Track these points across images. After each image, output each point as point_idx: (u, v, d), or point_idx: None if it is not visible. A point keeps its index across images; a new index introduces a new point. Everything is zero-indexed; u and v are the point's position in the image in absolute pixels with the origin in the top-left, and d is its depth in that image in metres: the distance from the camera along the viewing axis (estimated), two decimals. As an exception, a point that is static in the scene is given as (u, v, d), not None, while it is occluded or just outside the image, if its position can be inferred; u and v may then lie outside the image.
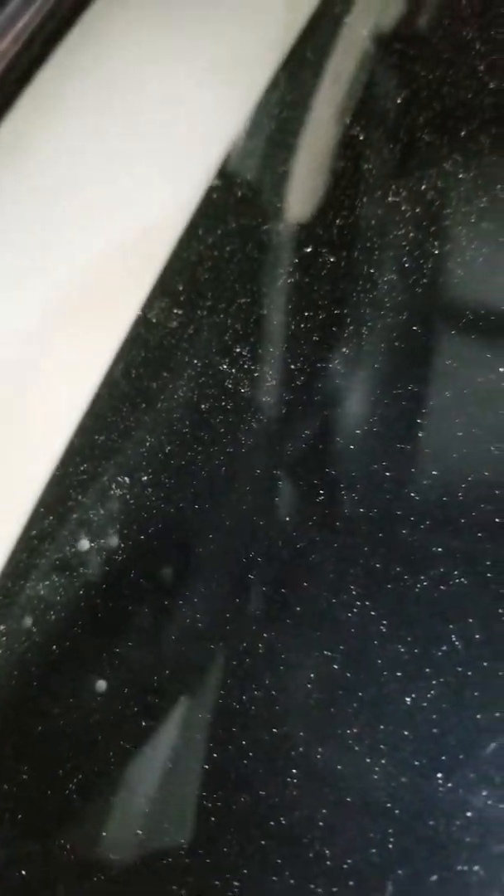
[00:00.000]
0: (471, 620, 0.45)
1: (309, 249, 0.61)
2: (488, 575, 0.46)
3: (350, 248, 0.60)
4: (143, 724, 0.48)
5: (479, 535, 0.47)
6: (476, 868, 0.42)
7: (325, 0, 0.77)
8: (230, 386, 0.58)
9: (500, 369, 0.52)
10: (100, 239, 0.71)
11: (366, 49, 0.72)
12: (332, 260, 0.60)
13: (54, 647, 0.53)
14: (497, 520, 0.48)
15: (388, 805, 0.43)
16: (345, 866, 0.43)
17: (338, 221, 0.61)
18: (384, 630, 0.47)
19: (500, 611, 0.45)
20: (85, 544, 0.56)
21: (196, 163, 0.75)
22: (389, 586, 0.48)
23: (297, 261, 0.61)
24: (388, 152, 0.63)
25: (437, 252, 0.57)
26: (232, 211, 0.66)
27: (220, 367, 0.59)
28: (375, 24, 0.73)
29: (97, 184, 0.74)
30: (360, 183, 0.63)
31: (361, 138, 0.65)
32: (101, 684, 0.50)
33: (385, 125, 0.65)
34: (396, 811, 0.43)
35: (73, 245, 0.71)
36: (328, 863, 0.43)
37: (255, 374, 0.58)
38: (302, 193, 0.67)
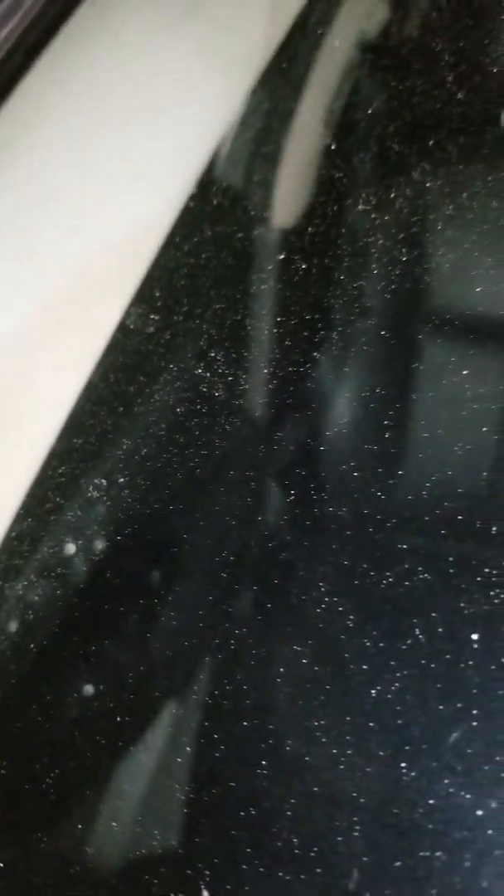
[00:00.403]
0: (434, 615, 0.47)
1: (289, 256, 0.63)
2: (451, 571, 0.48)
3: (329, 255, 0.62)
4: (125, 723, 0.49)
5: (443, 532, 0.49)
6: (439, 854, 0.43)
7: (307, 8, 0.78)
8: (205, 390, 0.59)
9: (464, 372, 0.54)
10: (84, 245, 0.72)
11: (349, 58, 0.73)
12: (311, 266, 0.61)
13: (40, 651, 0.54)
14: (459, 517, 0.49)
15: (354, 794, 0.45)
16: (312, 854, 0.44)
17: (318, 228, 0.63)
18: (351, 625, 0.48)
19: (462, 605, 0.47)
20: (70, 548, 0.57)
21: (179, 170, 0.76)
22: (357, 583, 0.49)
23: (276, 267, 0.63)
24: (369, 160, 0.65)
25: (410, 258, 0.59)
26: (208, 219, 0.67)
27: (196, 372, 0.60)
28: (359, 33, 0.74)
29: (81, 190, 0.75)
30: (341, 190, 0.64)
31: (345, 146, 0.67)
32: (89, 689, 0.51)
33: (367, 133, 0.66)
34: (362, 800, 0.45)
35: (56, 252, 0.73)
36: (296, 851, 0.45)
37: (230, 379, 0.59)
38: (286, 201, 0.68)
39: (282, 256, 0.63)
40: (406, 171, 0.62)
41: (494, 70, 0.66)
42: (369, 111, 0.67)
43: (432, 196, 0.60)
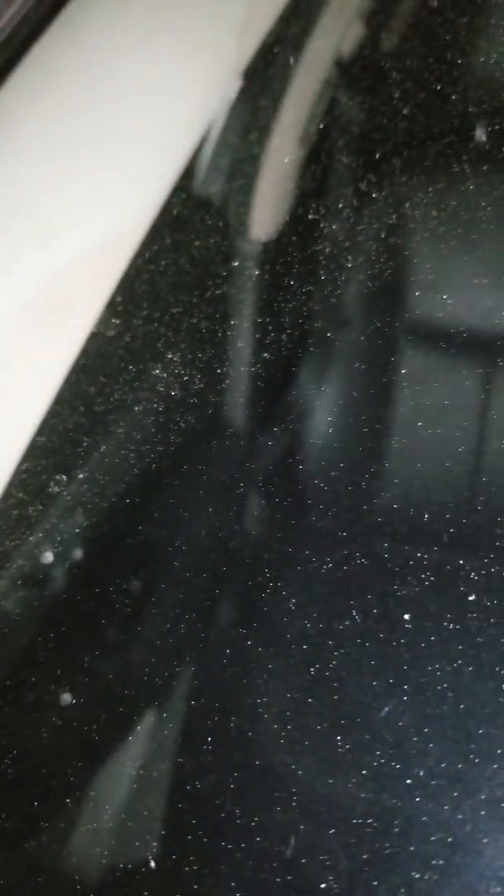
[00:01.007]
0: (369, 597, 0.49)
1: (265, 267, 0.65)
2: (385, 556, 0.50)
3: (304, 267, 0.64)
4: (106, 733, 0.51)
5: (379, 519, 0.52)
6: (370, 821, 0.46)
7: (282, 24, 0.81)
8: (161, 389, 0.62)
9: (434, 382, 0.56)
10: (56, 256, 0.75)
11: (325, 74, 0.76)
12: (286, 276, 0.64)
13: (17, 659, 0.56)
14: (395, 505, 0.52)
15: (292, 766, 0.47)
16: (252, 824, 0.47)
17: (294, 241, 0.65)
18: (293, 608, 0.51)
19: (395, 587, 0.49)
20: (48, 556, 0.60)
21: (151, 182, 0.79)
22: (299, 568, 0.52)
23: (251, 277, 0.66)
24: (345, 175, 0.68)
25: (385, 269, 0.62)
26: (171, 228, 0.70)
27: (153, 372, 0.63)
28: (335, 49, 0.77)
29: (53, 203, 0.78)
30: (317, 204, 0.67)
31: (321, 161, 0.70)
32: (66, 697, 0.54)
33: (342, 149, 0.69)
34: (299, 772, 0.47)
35: (29, 262, 0.75)
36: (238, 821, 0.47)
37: (185, 379, 0.62)
38: (263, 214, 0.71)
39: (258, 267, 0.66)
40: (382, 186, 0.65)
41: (469, 85, 0.69)
42: (345, 136, 0.71)
43: (406, 208, 0.64)
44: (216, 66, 0.85)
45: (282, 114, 0.77)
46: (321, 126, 0.70)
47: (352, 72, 0.74)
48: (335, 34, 0.80)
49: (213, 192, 0.74)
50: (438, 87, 0.70)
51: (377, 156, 0.66)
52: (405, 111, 0.68)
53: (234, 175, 0.73)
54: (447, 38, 0.71)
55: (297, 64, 0.79)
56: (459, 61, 0.71)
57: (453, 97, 0.68)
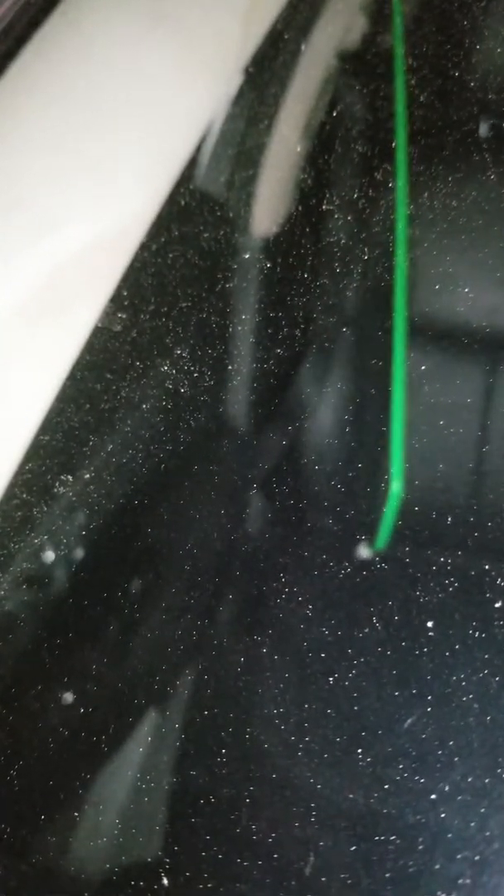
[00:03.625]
0: (390, 604, 0.48)
1: (268, 261, 0.63)
2: (406, 560, 0.49)
3: (307, 261, 0.62)
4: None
5: (399, 522, 0.50)
6: (393, 837, 0.44)
7: (285, 17, 0.79)
8: (170, 386, 0.60)
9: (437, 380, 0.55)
10: (58, 249, 0.73)
11: (328, 67, 0.74)
12: (288, 271, 0.62)
13: (19, 659, 0.54)
14: (416, 508, 0.50)
15: (311, 780, 0.45)
16: (270, 840, 0.45)
17: (298, 236, 0.64)
18: (310, 615, 0.49)
19: (418, 594, 0.48)
20: (49, 555, 0.58)
21: (154, 174, 0.77)
22: (316, 573, 0.50)
23: (254, 271, 0.64)
24: (348, 168, 0.66)
25: (389, 266, 0.60)
26: (177, 220, 0.68)
27: (161, 369, 0.61)
28: (338, 42, 0.75)
29: (55, 196, 0.76)
30: (320, 198, 0.65)
31: (324, 155, 0.68)
32: (68, 697, 0.52)
33: (346, 142, 0.68)
34: (318, 786, 0.45)
35: (31, 255, 0.73)
36: (254, 837, 0.45)
37: (195, 375, 0.60)
38: (266, 209, 0.70)
39: (260, 262, 0.64)
40: (385, 180, 0.63)
41: (488, 71, 0.67)
42: (348, 120, 0.69)
43: (424, 198, 0.61)
44: (219, 59, 0.84)
45: (286, 106, 0.75)
46: (335, 115, 0.68)
47: (365, 59, 0.72)
48: (340, 24, 0.78)
49: (216, 186, 0.72)
50: (456, 74, 0.68)
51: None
52: (422, 98, 0.66)
53: (237, 170, 0.71)
54: (464, 23, 0.69)
55: (301, 55, 0.77)
56: (478, 47, 0.69)
57: (472, 84, 0.66)
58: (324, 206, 0.62)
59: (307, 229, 0.62)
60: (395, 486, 0.52)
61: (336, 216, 0.62)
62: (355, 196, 0.62)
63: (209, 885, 0.45)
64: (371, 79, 0.70)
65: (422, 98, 0.66)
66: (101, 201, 0.75)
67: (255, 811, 0.46)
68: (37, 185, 0.76)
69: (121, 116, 0.81)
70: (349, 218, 0.61)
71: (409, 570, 0.48)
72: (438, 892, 0.42)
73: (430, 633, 0.47)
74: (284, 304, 0.59)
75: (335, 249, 0.61)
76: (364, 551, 0.53)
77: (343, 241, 0.60)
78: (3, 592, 0.56)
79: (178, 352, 0.62)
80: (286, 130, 0.73)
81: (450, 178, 0.61)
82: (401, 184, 0.62)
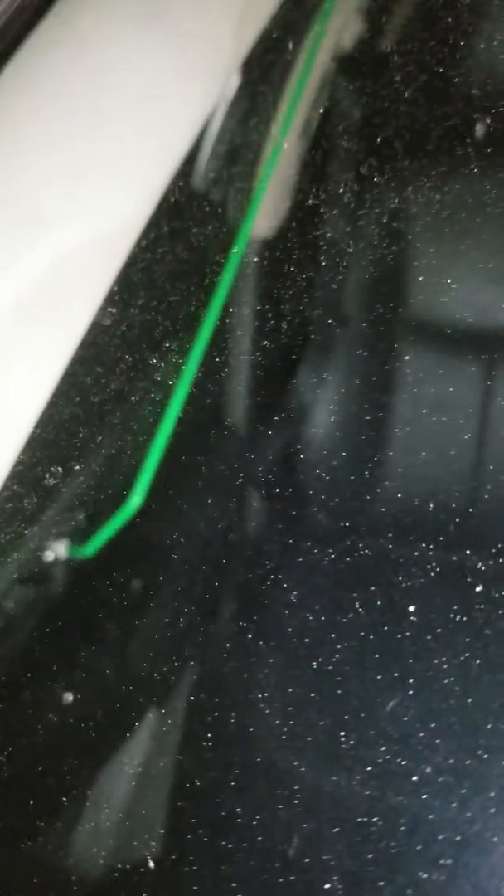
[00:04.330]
0: (373, 589, 0.48)
1: (267, 263, 0.64)
2: (389, 546, 0.49)
3: (305, 264, 0.63)
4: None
5: (382, 509, 0.50)
6: (375, 819, 0.44)
7: (279, 18, 0.80)
8: (159, 379, 0.61)
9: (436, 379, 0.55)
10: (56, 245, 0.74)
11: (325, 69, 0.75)
12: (287, 272, 0.63)
13: (19, 658, 0.54)
14: (399, 495, 0.51)
15: (294, 763, 0.46)
16: (254, 823, 0.45)
17: (295, 237, 0.64)
18: (294, 600, 0.49)
19: (400, 579, 0.48)
20: (49, 555, 0.58)
21: (149, 173, 0.78)
22: (300, 560, 0.50)
23: (252, 271, 0.64)
24: (345, 171, 0.67)
25: (386, 266, 0.60)
26: (166, 215, 0.69)
27: (150, 362, 0.62)
28: (334, 44, 0.76)
29: (53, 190, 0.77)
30: (318, 201, 0.66)
31: (321, 158, 0.69)
32: (65, 694, 0.52)
33: (343, 144, 0.68)
34: (301, 769, 0.46)
35: (28, 252, 0.74)
36: (238, 820, 0.46)
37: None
38: (264, 212, 0.70)
39: (257, 254, 0.65)
40: (383, 170, 0.63)
41: (472, 67, 0.68)
42: (345, 123, 0.69)
43: (409, 192, 0.62)
44: (214, 58, 0.84)
45: (281, 107, 0.76)
46: (321, 111, 0.69)
47: (353, 56, 0.72)
48: (334, 25, 0.79)
49: (211, 186, 0.73)
50: (441, 70, 0.68)
51: (378, 139, 0.65)
52: (406, 94, 0.67)
53: (233, 170, 0.71)
54: (449, 20, 0.70)
55: (296, 56, 0.78)
56: (462, 44, 0.69)
57: (456, 80, 0.67)
58: (310, 201, 0.63)
59: (303, 221, 0.63)
60: (135, 500, 0.53)
61: (322, 210, 0.62)
62: (341, 191, 0.63)
63: (194, 868, 0.45)
64: (369, 69, 0.71)
65: (406, 94, 0.67)
66: (97, 200, 0.76)
67: (240, 794, 0.46)
68: (33, 184, 0.76)
69: (116, 115, 0.81)
70: (335, 212, 0.62)
71: (392, 555, 0.49)
72: (420, 873, 0.43)
73: (413, 618, 0.47)
74: (272, 298, 0.60)
75: (331, 240, 0.61)
76: (62, 551, 0.54)
77: (339, 232, 0.61)
78: (4, 585, 0.56)
79: (168, 345, 0.63)
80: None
81: (433, 172, 0.61)
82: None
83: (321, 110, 0.70)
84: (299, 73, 0.75)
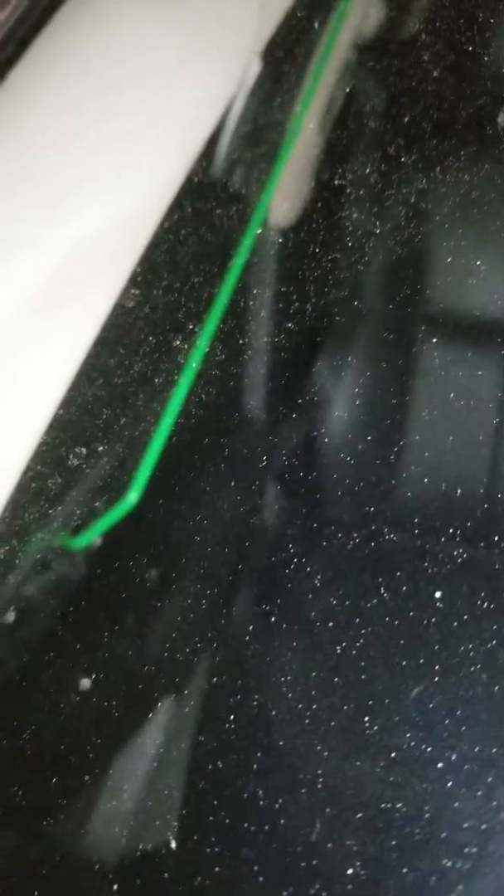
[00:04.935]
0: (398, 574, 0.48)
1: (286, 252, 0.63)
2: (416, 532, 0.49)
3: (325, 253, 0.62)
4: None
5: (409, 494, 0.50)
6: (399, 806, 0.44)
7: (300, 4, 0.79)
8: (182, 361, 0.60)
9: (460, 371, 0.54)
10: (80, 227, 0.73)
11: (347, 56, 0.74)
12: (306, 262, 0.62)
13: (38, 643, 0.55)
14: (425, 480, 0.50)
15: (318, 747, 0.45)
16: (276, 806, 0.45)
17: (314, 227, 0.63)
18: (318, 585, 0.49)
19: (426, 564, 0.47)
20: (66, 538, 0.58)
21: (172, 155, 0.77)
22: (325, 544, 0.50)
23: (271, 260, 0.64)
24: (366, 161, 0.66)
25: (408, 258, 0.60)
26: (189, 197, 0.68)
27: (173, 344, 0.61)
28: (355, 32, 0.75)
29: (77, 173, 0.77)
30: (337, 191, 0.65)
31: (341, 147, 0.68)
32: (86, 682, 0.52)
33: (364, 134, 0.67)
34: (325, 753, 0.45)
35: (52, 235, 0.74)
36: (261, 803, 0.45)
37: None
38: (283, 201, 0.69)
39: (281, 235, 0.64)
40: (402, 179, 0.62)
41: (491, 69, 0.67)
42: (372, 102, 0.68)
43: (428, 195, 0.61)
44: (235, 42, 0.84)
45: (303, 88, 0.75)
46: (347, 90, 0.68)
47: (380, 35, 0.71)
48: (357, 11, 0.78)
49: (234, 169, 0.72)
50: (469, 49, 0.67)
51: (406, 119, 0.63)
52: (435, 73, 0.66)
53: (256, 153, 0.71)
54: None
55: (319, 38, 0.77)
56: (491, 21, 0.68)
57: (485, 58, 0.66)
58: (336, 181, 0.62)
59: (328, 201, 0.62)
60: (132, 496, 0.53)
61: (348, 191, 0.61)
62: (367, 171, 0.62)
63: (216, 850, 0.45)
64: (396, 48, 0.70)
65: (434, 73, 0.65)
66: (120, 182, 0.75)
67: (262, 778, 0.46)
68: (55, 167, 0.76)
69: (137, 99, 0.81)
70: (361, 193, 0.61)
71: (418, 541, 0.48)
72: (444, 861, 0.42)
73: (439, 604, 0.47)
74: (296, 279, 0.59)
75: (357, 221, 0.60)
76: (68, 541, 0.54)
77: (365, 213, 0.60)
78: (21, 575, 0.56)
79: (191, 327, 0.62)
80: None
81: (462, 152, 0.60)
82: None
83: (347, 90, 0.69)
84: (322, 54, 0.74)
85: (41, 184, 0.73)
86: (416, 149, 0.61)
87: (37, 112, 0.79)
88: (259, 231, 0.64)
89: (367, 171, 0.61)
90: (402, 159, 0.61)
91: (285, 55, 0.76)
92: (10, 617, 0.56)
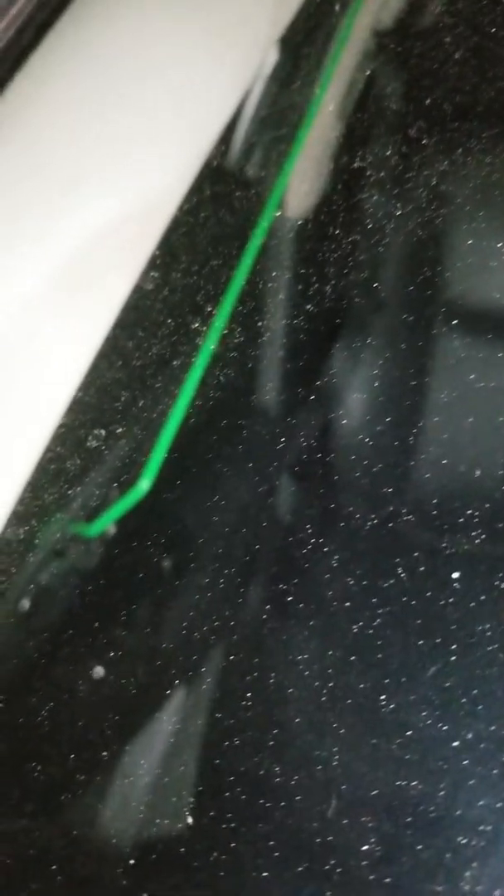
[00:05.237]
0: (416, 555, 0.48)
1: (303, 242, 0.63)
2: (434, 512, 0.49)
3: (343, 243, 0.62)
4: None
5: (427, 475, 0.50)
6: (415, 783, 0.44)
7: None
8: (200, 343, 0.61)
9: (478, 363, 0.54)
10: (96, 214, 0.74)
11: (366, 43, 0.74)
12: (324, 252, 0.62)
13: (52, 631, 0.55)
14: (444, 461, 0.50)
15: (335, 725, 0.46)
16: (292, 783, 0.45)
17: (332, 218, 0.63)
18: (335, 564, 0.49)
19: (444, 545, 0.47)
20: (81, 525, 0.59)
21: (191, 141, 0.77)
22: (342, 524, 0.50)
23: (289, 251, 0.64)
24: (385, 151, 0.65)
25: (426, 248, 0.59)
26: (208, 179, 0.69)
27: (192, 326, 0.61)
28: (375, 16, 0.75)
29: (93, 161, 0.77)
30: (355, 181, 0.65)
31: (359, 137, 0.67)
32: (99, 670, 0.53)
33: (382, 124, 0.67)
34: (342, 731, 0.46)
35: (69, 220, 0.74)
36: (277, 780, 0.46)
37: (224, 332, 0.61)
38: (299, 191, 0.69)
39: (301, 217, 0.64)
40: (423, 161, 0.62)
41: None
42: (394, 85, 0.68)
43: (448, 185, 0.61)
44: (252, 29, 0.83)
45: (322, 70, 0.74)
46: (368, 73, 0.68)
47: (402, 17, 0.71)
48: (375, 4, 0.77)
49: (253, 152, 0.72)
50: (492, 31, 0.66)
51: (427, 101, 0.63)
52: (457, 56, 0.65)
53: (275, 135, 0.71)
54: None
55: (339, 20, 0.77)
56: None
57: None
58: (356, 164, 0.62)
59: (348, 183, 0.62)
60: (143, 484, 0.52)
61: (368, 173, 0.61)
62: (388, 153, 0.61)
63: (232, 825, 0.46)
64: (418, 31, 0.70)
65: (456, 55, 0.65)
66: (139, 167, 0.75)
67: (278, 754, 0.46)
68: (73, 151, 0.76)
69: (157, 85, 0.81)
70: (382, 175, 0.61)
71: (437, 521, 0.48)
72: (459, 838, 0.43)
73: (456, 584, 0.47)
74: (323, 259, 0.59)
75: (377, 203, 0.60)
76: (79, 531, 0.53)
77: (386, 195, 0.59)
78: (38, 561, 0.57)
79: (210, 310, 0.62)
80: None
81: (484, 135, 0.60)
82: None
83: (367, 73, 0.69)
84: (341, 39, 0.73)
85: (61, 168, 0.73)
86: (437, 131, 0.61)
87: (57, 98, 0.79)
88: (277, 214, 0.64)
89: (388, 153, 0.61)
90: (424, 141, 0.61)
91: (304, 41, 0.76)
92: (26, 604, 0.57)
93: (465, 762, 0.44)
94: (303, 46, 0.76)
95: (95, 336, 0.67)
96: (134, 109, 0.80)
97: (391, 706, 0.45)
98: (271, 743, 0.47)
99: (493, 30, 0.65)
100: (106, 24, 0.82)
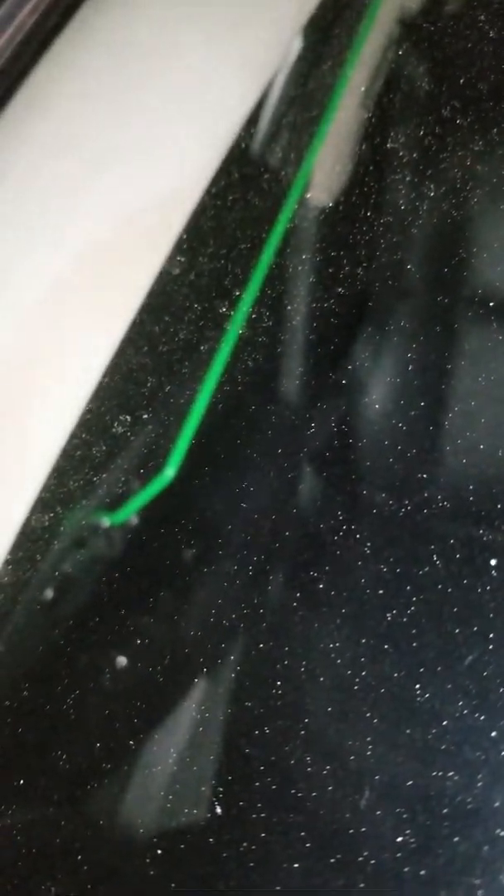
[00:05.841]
0: (452, 542, 0.46)
1: (328, 229, 0.62)
2: (470, 499, 0.47)
3: (368, 231, 0.61)
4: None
5: (464, 460, 0.48)
6: (451, 774, 0.43)
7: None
8: (227, 328, 0.60)
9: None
10: (125, 193, 0.73)
11: (391, 31, 0.73)
12: (349, 239, 0.61)
13: (77, 620, 0.55)
14: (481, 446, 0.49)
15: (368, 714, 0.45)
16: (324, 772, 0.45)
17: (358, 204, 0.62)
18: (367, 551, 0.48)
19: (481, 532, 0.46)
20: (104, 514, 0.58)
21: (217, 128, 0.76)
22: (374, 511, 0.49)
23: (315, 236, 0.63)
24: (410, 138, 0.64)
25: (450, 238, 0.58)
26: (236, 162, 0.68)
27: (219, 311, 0.61)
28: (399, 6, 0.74)
29: (119, 145, 0.76)
30: (380, 168, 0.64)
31: (385, 124, 0.66)
32: (122, 660, 0.52)
33: (421, 94, 0.66)
34: (375, 720, 0.45)
35: (95, 205, 0.74)
36: (309, 769, 0.45)
37: (253, 316, 0.60)
38: (325, 178, 0.68)
39: (333, 209, 0.63)
40: (457, 142, 0.61)
41: None
42: (420, 74, 0.67)
43: (484, 165, 0.60)
44: (279, 16, 0.82)
45: (349, 53, 0.73)
46: (400, 52, 0.66)
47: (417, 29, 0.70)
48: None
49: (280, 136, 0.71)
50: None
51: (461, 81, 0.62)
52: (492, 34, 0.64)
53: (302, 118, 0.69)
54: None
55: (363, 10, 0.75)
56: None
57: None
58: (388, 145, 0.61)
59: (380, 164, 0.61)
60: (169, 472, 0.52)
61: (401, 154, 0.60)
62: (421, 133, 0.60)
63: (262, 815, 0.45)
64: (451, 10, 0.68)
65: (491, 33, 0.63)
66: (166, 151, 0.75)
67: (310, 743, 0.45)
68: (103, 136, 0.76)
69: (184, 69, 0.80)
70: (414, 156, 0.60)
71: (474, 508, 0.47)
72: (497, 830, 0.42)
73: (494, 572, 0.45)
74: (354, 241, 0.58)
75: (410, 184, 0.59)
76: (104, 520, 0.53)
77: (419, 176, 0.58)
78: (62, 549, 0.56)
79: (238, 294, 0.61)
80: (346, 99, 0.72)
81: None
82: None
83: (399, 52, 0.68)
84: (368, 18, 0.72)
85: (87, 151, 0.72)
86: (472, 111, 0.59)
87: (83, 81, 0.79)
88: (306, 196, 0.63)
89: (421, 133, 0.60)
90: (458, 121, 0.59)
91: (330, 24, 0.75)
92: (50, 594, 0.57)
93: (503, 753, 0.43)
94: (329, 30, 0.75)
95: (121, 321, 0.66)
96: (161, 94, 0.79)
97: (426, 695, 0.44)
98: (302, 732, 0.46)
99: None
100: (134, 8, 0.81)
